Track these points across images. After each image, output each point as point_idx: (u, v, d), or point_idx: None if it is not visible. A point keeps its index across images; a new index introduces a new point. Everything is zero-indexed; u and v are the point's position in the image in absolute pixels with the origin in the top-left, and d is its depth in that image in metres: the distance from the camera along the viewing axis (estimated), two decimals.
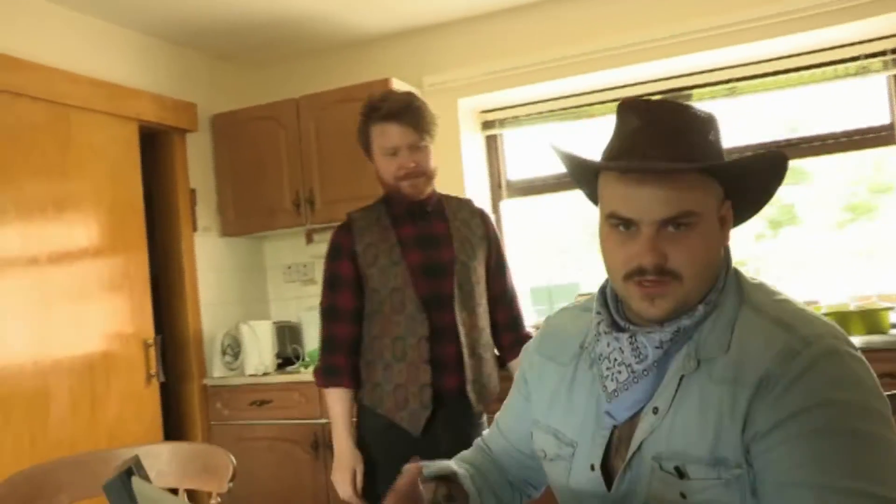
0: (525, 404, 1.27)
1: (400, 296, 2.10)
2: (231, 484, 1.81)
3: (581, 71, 3.53)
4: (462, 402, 2.13)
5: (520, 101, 3.85)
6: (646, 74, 3.57)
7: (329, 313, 2.19)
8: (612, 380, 1.08)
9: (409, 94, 2.15)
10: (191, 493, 1.88)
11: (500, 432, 1.34)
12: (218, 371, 3.59)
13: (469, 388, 2.12)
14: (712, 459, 0.98)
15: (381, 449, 2.15)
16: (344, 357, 2.17)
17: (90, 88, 3.19)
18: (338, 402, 2.17)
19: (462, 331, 2.11)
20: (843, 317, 2.63)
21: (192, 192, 3.71)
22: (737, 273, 1.10)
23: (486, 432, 1.40)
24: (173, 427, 3.57)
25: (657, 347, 1.04)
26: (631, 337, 1.06)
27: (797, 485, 0.92)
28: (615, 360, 1.08)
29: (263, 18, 3.50)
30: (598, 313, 1.13)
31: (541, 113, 3.84)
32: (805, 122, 3.48)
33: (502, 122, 3.93)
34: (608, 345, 1.09)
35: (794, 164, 3.55)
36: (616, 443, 1.09)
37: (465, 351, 2.12)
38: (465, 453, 1.35)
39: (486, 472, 1.30)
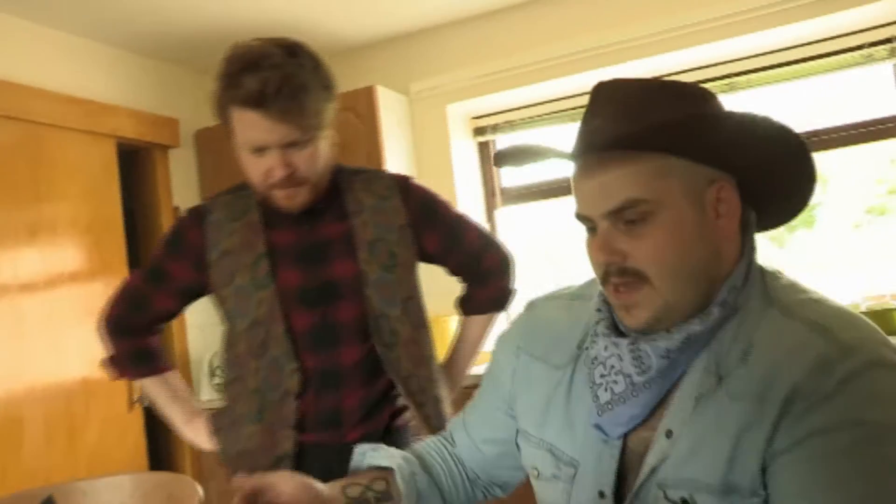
0: (498, 403, 1.14)
1: (261, 334, 1.52)
2: None
3: (574, 70, 3.46)
4: None
5: (513, 104, 3.78)
6: (643, 70, 3.46)
7: (137, 300, 1.68)
8: (605, 389, 0.94)
9: (288, 60, 1.44)
10: None
11: (464, 428, 1.22)
12: (206, 394, 3.51)
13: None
14: (724, 487, 0.84)
15: None
16: (149, 337, 1.71)
17: (63, 105, 3.13)
18: (162, 387, 1.73)
19: (397, 375, 1.55)
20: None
21: (176, 209, 3.64)
22: (762, 271, 0.95)
23: (452, 421, 1.27)
24: (161, 453, 3.48)
25: (662, 357, 0.90)
26: (632, 343, 0.92)
27: None
28: (612, 367, 0.94)
29: (244, 30, 3.42)
30: (599, 311, 1.00)
31: (536, 116, 3.75)
32: (809, 116, 3.38)
33: (495, 128, 3.86)
34: (605, 349, 0.96)
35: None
36: (628, 468, 0.95)
37: (410, 401, 1.57)
38: (423, 443, 1.24)
39: (439, 469, 1.19)
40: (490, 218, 3.89)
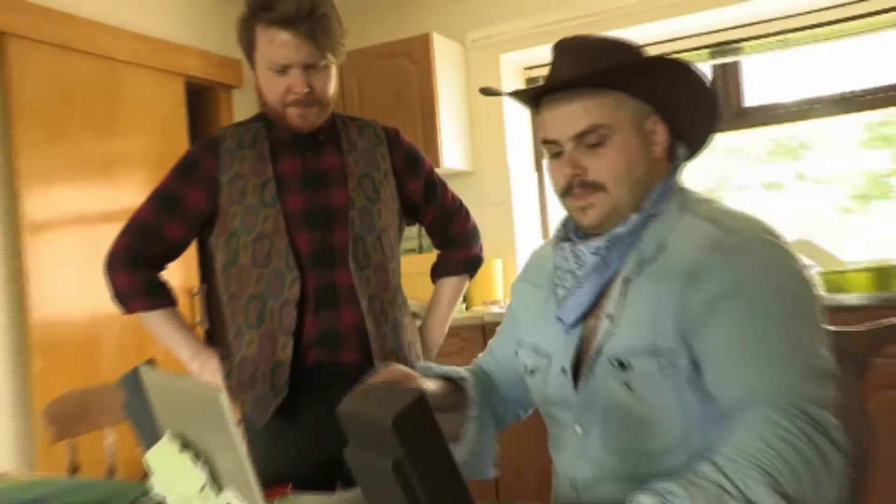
0: (514, 326, 1.42)
1: (266, 245, 1.68)
2: None
3: (628, 24, 3.58)
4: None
5: None
6: (695, 27, 3.60)
7: (148, 231, 1.76)
8: (561, 287, 1.25)
9: None
10: None
11: (491, 355, 1.49)
12: None
13: (379, 363, 1.65)
14: (651, 349, 1.11)
15: None
16: (158, 272, 1.81)
17: (137, 43, 3.41)
18: (170, 321, 1.81)
19: (363, 293, 1.70)
20: (884, 272, 2.67)
21: None
22: (683, 189, 1.24)
23: (480, 355, 1.54)
24: None
25: (594, 254, 1.20)
26: (573, 246, 1.23)
27: (734, 359, 1.05)
28: (563, 268, 1.25)
29: None
30: (558, 230, 1.31)
31: None
32: (862, 75, 3.41)
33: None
34: (558, 255, 1.26)
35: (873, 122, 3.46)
36: (585, 351, 1.23)
37: (369, 318, 1.70)
38: (461, 368, 1.48)
39: (485, 383, 1.45)
40: (539, 167, 4.07)
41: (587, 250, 1.21)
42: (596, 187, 1.18)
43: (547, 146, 1.23)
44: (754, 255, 1.10)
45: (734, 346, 1.06)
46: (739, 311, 1.07)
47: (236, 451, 0.86)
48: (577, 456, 1.22)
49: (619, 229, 1.19)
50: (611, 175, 1.18)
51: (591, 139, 1.17)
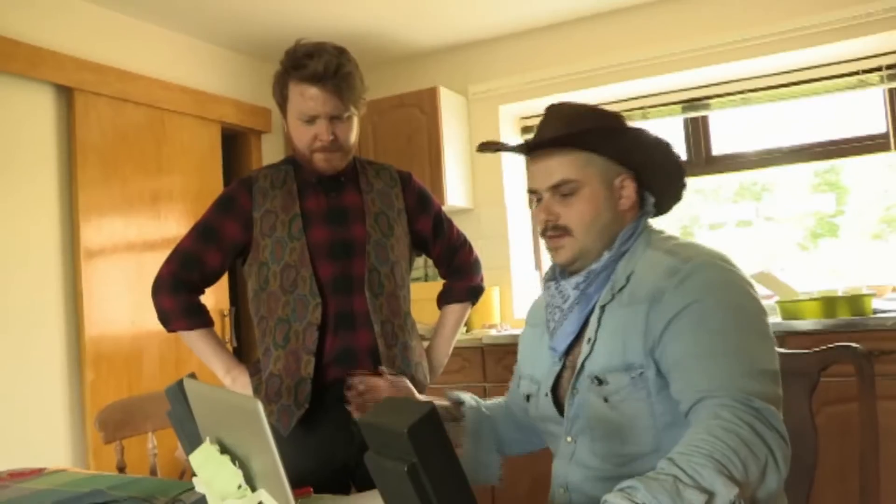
0: (519, 365, 1.45)
1: (292, 274, 1.70)
2: None
3: (610, 81, 3.66)
4: None
5: None
6: (668, 85, 3.66)
7: (189, 259, 1.76)
8: (551, 321, 1.29)
9: (340, 54, 1.70)
10: None
11: (510, 391, 1.51)
12: None
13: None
14: (624, 366, 1.15)
15: None
16: (197, 296, 1.81)
17: (181, 94, 3.48)
18: (206, 340, 1.80)
19: (376, 318, 1.71)
20: (831, 301, 2.70)
21: None
22: (650, 229, 1.28)
23: (508, 390, 1.55)
24: None
25: (574, 289, 1.25)
26: (557, 284, 1.29)
27: (687, 366, 1.09)
28: (552, 304, 1.29)
29: (327, 36, 3.66)
30: (547, 272, 1.35)
31: None
32: (814, 130, 3.48)
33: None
34: (547, 294, 1.31)
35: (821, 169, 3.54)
36: (568, 375, 1.27)
37: (381, 341, 1.71)
38: (491, 400, 1.51)
39: (495, 415, 1.47)
40: (532, 205, 4.10)
41: (569, 286, 1.26)
42: (565, 231, 1.24)
43: (530, 194, 1.29)
44: (703, 277, 1.13)
45: (686, 355, 1.09)
46: (690, 325, 1.10)
47: (270, 455, 0.88)
48: (568, 461, 1.25)
49: (594, 266, 1.24)
50: (578, 222, 1.23)
51: (564, 190, 1.23)
